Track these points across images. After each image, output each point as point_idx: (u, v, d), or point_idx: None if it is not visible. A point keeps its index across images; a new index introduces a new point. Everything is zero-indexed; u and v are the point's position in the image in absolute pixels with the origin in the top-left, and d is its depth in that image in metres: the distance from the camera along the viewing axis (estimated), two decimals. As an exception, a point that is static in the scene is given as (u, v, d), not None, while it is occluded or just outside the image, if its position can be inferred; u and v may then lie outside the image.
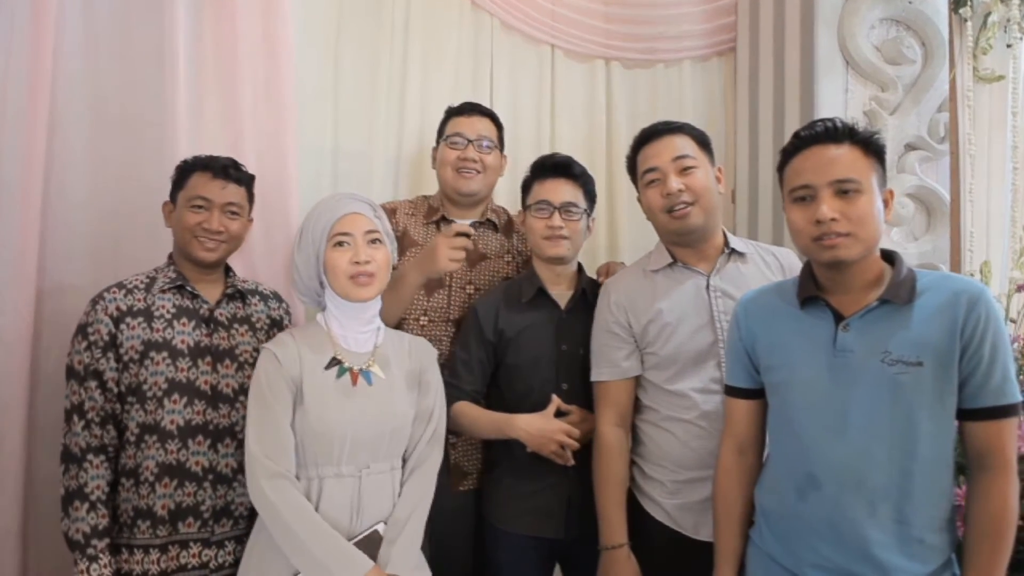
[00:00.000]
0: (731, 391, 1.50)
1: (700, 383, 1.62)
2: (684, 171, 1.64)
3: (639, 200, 1.76)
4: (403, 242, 1.98)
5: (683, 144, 1.67)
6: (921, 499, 1.24)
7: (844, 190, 1.27)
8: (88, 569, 1.47)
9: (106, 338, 1.54)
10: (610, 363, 1.70)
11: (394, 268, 1.92)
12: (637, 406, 1.73)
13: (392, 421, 1.51)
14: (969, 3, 2.29)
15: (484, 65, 2.52)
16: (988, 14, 2.29)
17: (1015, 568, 1.49)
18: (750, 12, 2.60)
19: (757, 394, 1.46)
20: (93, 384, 1.53)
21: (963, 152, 2.32)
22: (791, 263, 1.72)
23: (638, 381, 1.71)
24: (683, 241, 1.69)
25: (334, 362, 1.50)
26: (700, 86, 2.74)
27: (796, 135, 1.36)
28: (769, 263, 1.72)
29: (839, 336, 1.30)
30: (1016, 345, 1.85)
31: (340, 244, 1.49)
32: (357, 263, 1.48)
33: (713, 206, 1.66)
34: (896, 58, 2.28)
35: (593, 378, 1.73)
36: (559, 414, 1.73)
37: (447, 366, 1.84)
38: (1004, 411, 1.23)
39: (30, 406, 1.73)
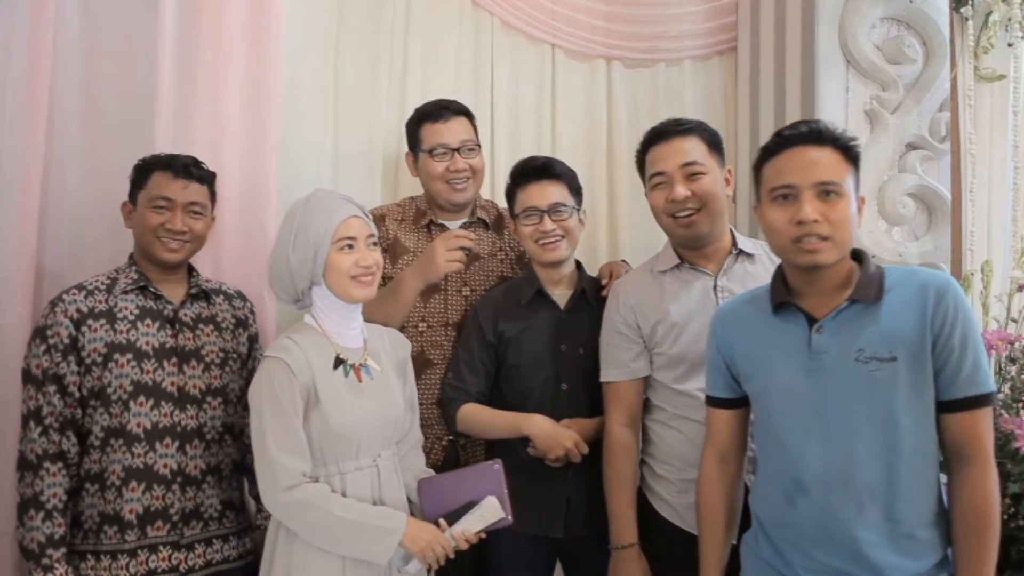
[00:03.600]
0: (711, 401, 1.47)
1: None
2: (691, 177, 1.59)
3: (647, 196, 1.71)
4: (395, 249, 1.92)
5: (692, 148, 1.61)
6: (908, 495, 1.22)
7: (826, 191, 1.24)
8: None
9: (66, 341, 1.47)
10: (619, 363, 1.66)
11: (385, 277, 1.90)
12: (646, 406, 1.70)
13: (395, 411, 1.54)
14: (970, 2, 2.24)
15: (485, 65, 2.46)
16: (989, 13, 2.25)
17: (1015, 568, 1.49)
18: (751, 11, 2.53)
19: (737, 403, 1.44)
20: (52, 389, 1.46)
21: (964, 151, 2.28)
22: None
23: (647, 381, 1.68)
24: (690, 244, 1.65)
25: (338, 361, 1.48)
26: (701, 86, 2.66)
27: (779, 134, 1.33)
28: (776, 263, 1.71)
29: (813, 339, 1.27)
30: (1017, 345, 1.84)
31: (345, 248, 1.47)
32: (365, 266, 1.48)
33: (720, 211, 1.62)
34: (897, 57, 2.21)
35: (602, 378, 1.69)
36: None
37: (450, 368, 1.83)
38: (978, 401, 1.21)
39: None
